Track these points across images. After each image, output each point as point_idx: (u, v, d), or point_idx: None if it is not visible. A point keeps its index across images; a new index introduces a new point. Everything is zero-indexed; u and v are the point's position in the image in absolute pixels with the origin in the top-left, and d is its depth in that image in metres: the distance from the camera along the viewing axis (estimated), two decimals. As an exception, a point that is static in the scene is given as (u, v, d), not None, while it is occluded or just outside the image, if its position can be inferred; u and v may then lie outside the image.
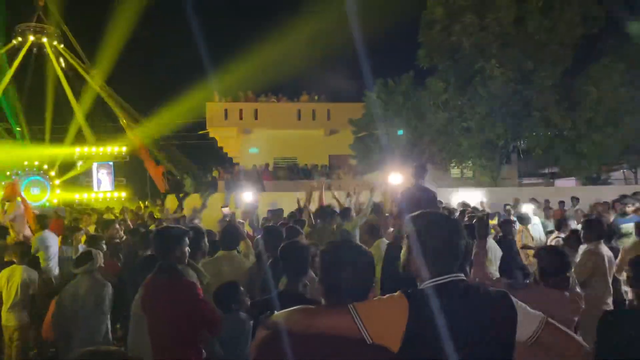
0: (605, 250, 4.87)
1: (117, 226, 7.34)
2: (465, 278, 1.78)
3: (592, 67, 16.89)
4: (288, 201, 9.51)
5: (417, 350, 1.61)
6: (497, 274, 4.89)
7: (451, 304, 1.65)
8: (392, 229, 5.61)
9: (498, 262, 5.49)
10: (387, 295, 1.69)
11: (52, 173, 23.30)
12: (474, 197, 12.72)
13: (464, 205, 10.11)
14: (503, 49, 16.60)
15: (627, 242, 6.28)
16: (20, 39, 25.63)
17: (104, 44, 23.13)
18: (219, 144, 25.89)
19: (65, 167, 24.98)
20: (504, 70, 16.11)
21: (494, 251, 5.48)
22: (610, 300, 4.69)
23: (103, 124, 26.27)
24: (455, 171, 21.41)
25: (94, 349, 1.41)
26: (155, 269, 3.12)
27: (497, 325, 1.72)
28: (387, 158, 16.10)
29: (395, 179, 7.26)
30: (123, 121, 24.66)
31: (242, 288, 3.47)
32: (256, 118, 23.09)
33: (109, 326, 4.06)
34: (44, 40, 25.70)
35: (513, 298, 1.80)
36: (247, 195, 7.90)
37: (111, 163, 24.48)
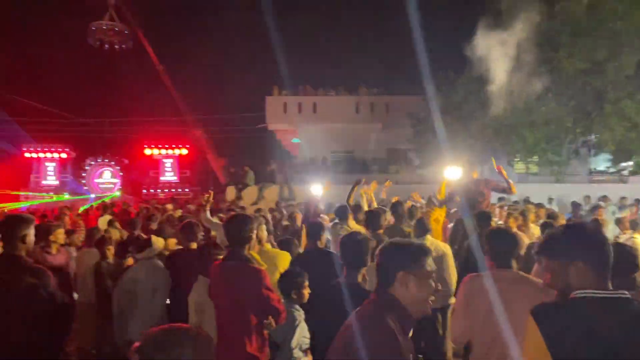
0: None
1: None
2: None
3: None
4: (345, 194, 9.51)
5: None
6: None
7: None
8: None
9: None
10: None
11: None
12: (539, 193, 12.26)
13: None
14: (573, 38, 15.72)
15: None
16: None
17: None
18: (277, 137, 26.30)
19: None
20: (574, 61, 15.30)
21: None
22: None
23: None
24: (519, 166, 20.64)
25: (172, 325, 1.51)
26: (226, 254, 3.20)
27: None
28: (446, 152, 15.75)
29: (453, 173, 7.12)
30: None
31: (306, 278, 3.47)
32: (315, 111, 23.26)
33: (164, 311, 4.14)
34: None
35: None
36: (315, 189, 7.70)
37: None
